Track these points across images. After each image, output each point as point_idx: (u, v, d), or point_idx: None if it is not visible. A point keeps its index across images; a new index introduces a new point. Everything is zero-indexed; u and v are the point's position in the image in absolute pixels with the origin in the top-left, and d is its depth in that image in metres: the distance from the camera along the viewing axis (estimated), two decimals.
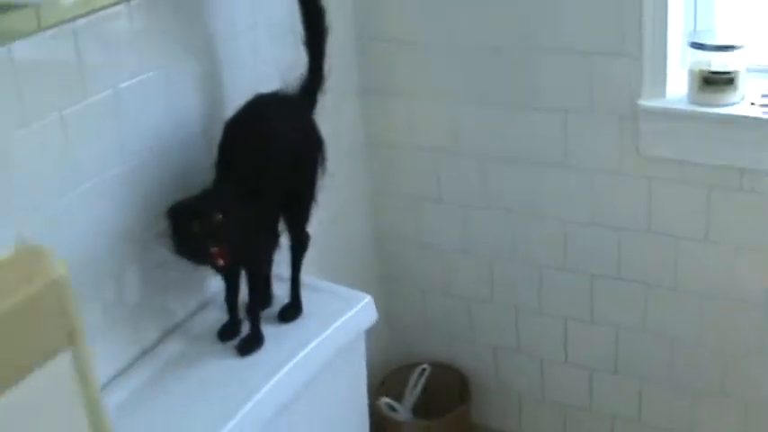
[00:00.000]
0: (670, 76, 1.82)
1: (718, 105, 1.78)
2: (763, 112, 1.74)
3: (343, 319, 1.66)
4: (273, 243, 1.61)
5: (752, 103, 1.78)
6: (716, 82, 1.78)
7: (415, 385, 2.27)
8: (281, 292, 1.68)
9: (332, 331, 1.63)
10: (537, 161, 2.00)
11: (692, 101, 1.81)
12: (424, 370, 2.28)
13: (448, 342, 2.31)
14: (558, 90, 1.92)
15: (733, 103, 1.78)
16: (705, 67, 1.78)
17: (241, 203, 1.43)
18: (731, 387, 1.97)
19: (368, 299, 1.71)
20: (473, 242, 2.17)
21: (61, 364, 0.81)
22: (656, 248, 1.94)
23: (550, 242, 2.06)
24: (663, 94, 1.82)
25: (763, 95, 1.79)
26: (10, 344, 0.75)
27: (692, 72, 1.80)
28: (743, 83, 1.78)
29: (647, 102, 1.83)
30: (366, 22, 2.08)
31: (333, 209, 1.96)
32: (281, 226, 1.62)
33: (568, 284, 2.08)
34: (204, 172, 1.50)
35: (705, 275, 1.91)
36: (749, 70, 1.80)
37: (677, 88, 1.83)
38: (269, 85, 1.60)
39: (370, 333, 1.74)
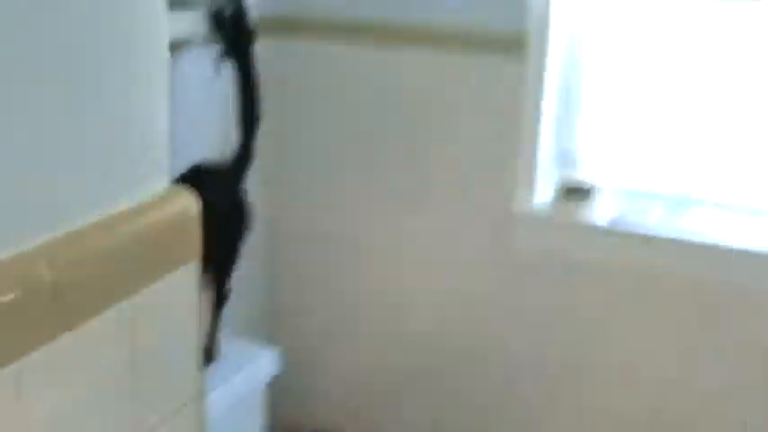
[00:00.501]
0: (538, 189, 2.16)
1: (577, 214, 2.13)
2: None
3: (247, 369, 1.85)
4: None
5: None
6: (577, 193, 2.13)
7: None
8: None
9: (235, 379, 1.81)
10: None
11: (555, 209, 2.15)
12: None
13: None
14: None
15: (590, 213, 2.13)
16: (567, 182, 2.13)
17: None
18: None
19: (270, 353, 1.92)
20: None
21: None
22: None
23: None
24: (532, 201, 2.15)
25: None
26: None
27: (556, 185, 2.15)
28: (599, 196, 2.13)
29: (519, 208, 2.15)
30: None
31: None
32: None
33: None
34: None
35: None
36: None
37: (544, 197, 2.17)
38: (205, 157, 1.83)
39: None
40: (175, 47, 1.38)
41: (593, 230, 2.11)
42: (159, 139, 1.20)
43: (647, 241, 2.07)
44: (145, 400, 1.13)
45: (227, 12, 1.84)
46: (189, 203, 1.24)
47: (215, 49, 1.85)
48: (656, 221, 2.10)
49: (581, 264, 2.14)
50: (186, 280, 1.21)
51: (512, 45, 2.11)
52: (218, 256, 1.82)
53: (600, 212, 2.13)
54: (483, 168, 2.17)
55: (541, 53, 2.09)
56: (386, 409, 2.44)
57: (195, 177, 1.78)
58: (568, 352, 2.21)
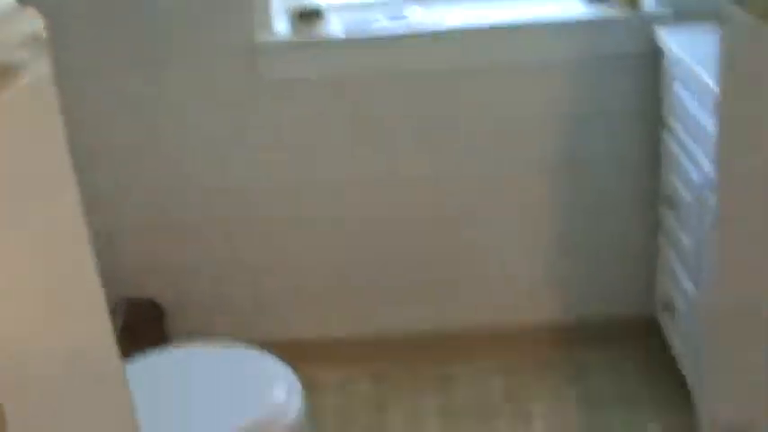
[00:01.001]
0: (274, 18, 2.37)
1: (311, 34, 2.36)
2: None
3: None
4: None
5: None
6: (308, 16, 2.36)
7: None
8: None
9: None
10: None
11: (293, 33, 2.37)
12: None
13: None
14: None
15: (322, 34, 2.37)
16: (299, 7, 2.36)
17: None
18: None
19: None
20: None
21: None
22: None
23: None
24: (271, 30, 2.37)
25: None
26: None
27: (289, 11, 2.37)
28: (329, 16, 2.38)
29: (260, 38, 2.36)
30: None
31: None
32: None
33: None
34: None
35: None
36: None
37: (281, 26, 2.39)
38: None
39: None
40: None
41: (328, 44, 2.36)
42: None
43: (378, 43, 2.34)
44: None
45: None
46: None
47: None
48: (382, 26, 2.37)
49: (324, 78, 2.39)
50: None
51: None
52: None
53: (332, 29, 2.38)
54: (225, 12, 2.35)
55: None
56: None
57: None
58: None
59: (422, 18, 2.39)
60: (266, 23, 2.36)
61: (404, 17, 2.39)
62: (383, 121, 2.43)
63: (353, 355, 2.64)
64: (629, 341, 2.57)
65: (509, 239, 2.54)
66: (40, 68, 1.01)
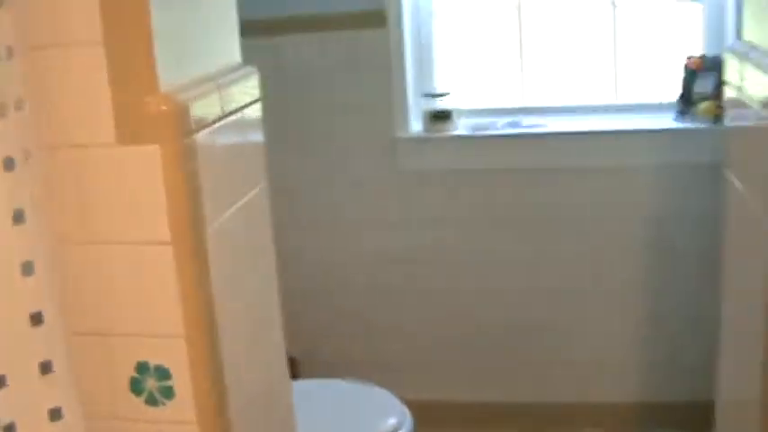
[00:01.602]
0: (411, 118, 2.87)
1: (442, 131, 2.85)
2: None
3: None
4: None
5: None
6: (439, 117, 2.84)
7: None
8: None
9: None
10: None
11: (426, 130, 2.87)
12: None
13: None
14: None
15: (451, 132, 2.85)
16: (431, 109, 2.85)
17: None
18: None
19: None
20: None
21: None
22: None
23: None
24: (408, 127, 2.87)
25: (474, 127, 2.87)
26: None
27: (424, 112, 2.87)
28: (456, 117, 2.86)
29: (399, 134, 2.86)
30: None
31: None
32: None
33: None
34: None
35: None
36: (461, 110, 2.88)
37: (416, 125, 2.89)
38: None
39: None
40: None
41: (456, 140, 2.83)
42: None
43: (494, 142, 2.80)
44: None
45: None
46: None
47: None
48: (502, 127, 2.83)
49: (453, 170, 2.86)
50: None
51: (377, 20, 2.83)
52: None
53: (460, 127, 2.86)
54: (370, 112, 2.87)
55: (398, 22, 2.81)
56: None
57: None
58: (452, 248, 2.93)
59: (534, 123, 2.83)
60: (404, 122, 2.86)
61: (519, 123, 2.84)
62: (496, 208, 2.86)
63: (456, 418, 3.02)
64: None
65: (600, 320, 2.90)
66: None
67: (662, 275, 2.81)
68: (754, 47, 1.77)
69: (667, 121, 2.73)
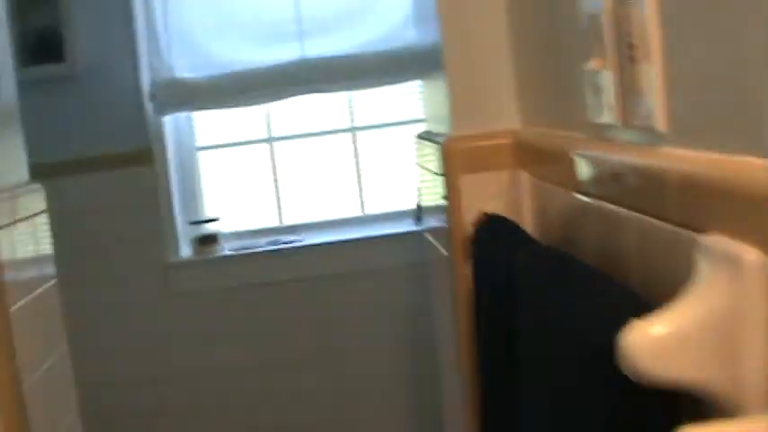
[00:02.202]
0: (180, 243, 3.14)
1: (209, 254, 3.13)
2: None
3: None
4: None
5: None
6: (206, 241, 3.13)
7: None
8: None
9: None
10: None
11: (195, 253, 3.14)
12: None
13: None
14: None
15: (218, 253, 3.13)
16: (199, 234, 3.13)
17: None
18: None
19: None
20: None
21: None
22: None
23: None
24: (178, 252, 3.13)
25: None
26: None
27: (191, 238, 3.15)
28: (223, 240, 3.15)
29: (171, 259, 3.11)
30: None
31: None
32: None
33: None
34: None
35: None
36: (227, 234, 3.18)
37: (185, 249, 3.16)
38: None
39: None
40: None
41: (222, 260, 3.12)
42: None
43: (259, 258, 3.11)
44: None
45: None
46: None
47: None
48: (265, 245, 3.15)
49: (220, 288, 3.13)
50: None
51: (141, 158, 3.11)
52: None
53: (226, 249, 3.15)
54: (139, 242, 3.11)
55: (163, 158, 3.11)
56: None
57: None
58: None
59: (294, 239, 3.18)
60: (173, 247, 3.13)
61: (279, 241, 3.18)
62: (262, 321, 3.15)
63: None
64: None
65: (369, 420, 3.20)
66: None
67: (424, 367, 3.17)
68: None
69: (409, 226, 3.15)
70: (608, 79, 1.10)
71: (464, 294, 1.62)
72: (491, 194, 1.63)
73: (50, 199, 3.01)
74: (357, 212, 3.27)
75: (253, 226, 3.26)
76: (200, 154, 3.26)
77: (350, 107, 3.24)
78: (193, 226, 3.15)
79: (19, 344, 1.52)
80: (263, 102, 3.11)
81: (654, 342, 0.76)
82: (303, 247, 3.14)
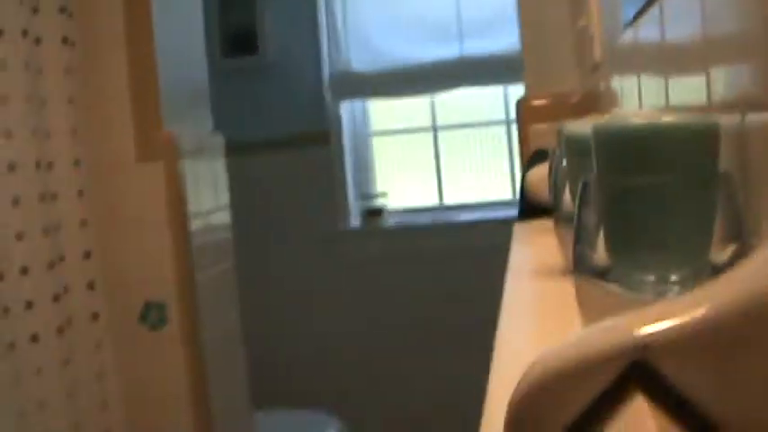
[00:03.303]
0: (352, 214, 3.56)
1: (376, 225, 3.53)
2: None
3: None
4: None
5: None
6: (374, 213, 3.53)
7: None
8: None
9: None
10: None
11: (363, 226, 3.55)
12: None
13: None
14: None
15: (385, 225, 3.53)
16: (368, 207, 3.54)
17: None
18: None
19: None
20: None
21: None
22: None
23: None
24: (348, 223, 3.55)
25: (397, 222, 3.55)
26: None
27: (362, 211, 3.56)
28: (387, 214, 3.54)
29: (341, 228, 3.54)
30: None
31: None
32: None
33: None
34: None
35: None
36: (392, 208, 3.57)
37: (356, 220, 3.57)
38: None
39: None
40: None
41: (386, 231, 3.51)
42: None
43: (419, 232, 3.49)
44: None
45: None
46: None
47: None
48: (425, 220, 3.52)
49: (386, 255, 3.52)
50: None
51: (320, 139, 3.55)
52: None
53: (390, 220, 3.55)
54: (315, 211, 3.55)
55: (339, 139, 3.54)
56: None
57: None
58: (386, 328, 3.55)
59: (451, 217, 3.53)
60: (344, 218, 3.55)
61: (440, 218, 3.54)
62: (413, 289, 3.52)
63: None
64: None
65: None
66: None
67: None
68: None
69: None
70: None
71: None
72: None
73: (240, 172, 3.54)
74: (508, 196, 3.59)
75: (416, 204, 3.64)
76: (374, 138, 3.67)
77: (505, 101, 3.57)
78: (363, 202, 3.57)
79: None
80: (426, 93, 3.49)
81: None
82: (459, 223, 3.49)
